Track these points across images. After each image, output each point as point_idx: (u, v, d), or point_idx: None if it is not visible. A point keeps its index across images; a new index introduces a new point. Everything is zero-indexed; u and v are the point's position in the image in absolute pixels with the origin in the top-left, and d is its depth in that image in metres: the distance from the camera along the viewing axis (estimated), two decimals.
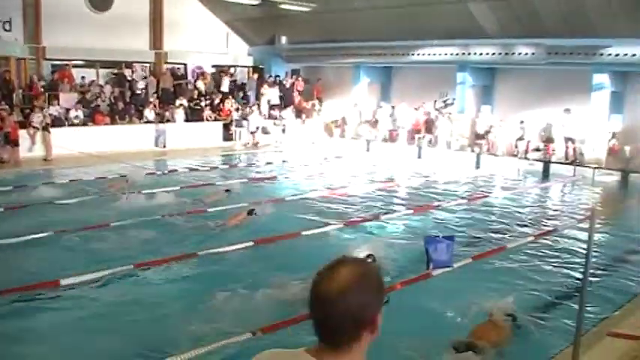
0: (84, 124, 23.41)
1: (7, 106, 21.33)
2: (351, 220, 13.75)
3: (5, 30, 23.91)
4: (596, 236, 12.84)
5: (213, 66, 30.50)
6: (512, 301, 8.35)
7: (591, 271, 10.07)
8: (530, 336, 7.64)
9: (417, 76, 28.05)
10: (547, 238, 12.76)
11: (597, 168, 21.36)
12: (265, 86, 29.66)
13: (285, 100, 29.95)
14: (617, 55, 20.32)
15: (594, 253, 11.40)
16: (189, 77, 29.39)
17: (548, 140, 23.03)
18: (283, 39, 30.88)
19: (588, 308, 7.35)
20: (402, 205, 16.15)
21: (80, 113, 23.44)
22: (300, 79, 31.61)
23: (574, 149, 22.43)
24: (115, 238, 11.53)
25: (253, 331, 7.17)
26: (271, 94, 29.47)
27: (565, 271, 10.54)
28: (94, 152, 20.21)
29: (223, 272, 9.93)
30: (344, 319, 2.03)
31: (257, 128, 27.26)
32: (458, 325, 7.88)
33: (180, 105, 26.32)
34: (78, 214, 13.20)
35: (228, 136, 26.83)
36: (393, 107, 27.96)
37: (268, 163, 22.73)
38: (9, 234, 11.16)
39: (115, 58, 26.81)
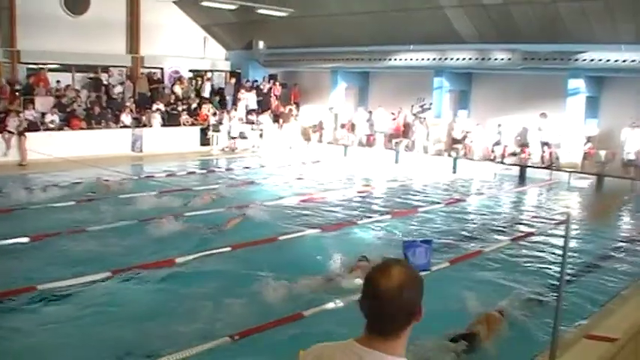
0: (60, 128, 23.17)
1: None
2: (329, 225, 13.72)
3: None
4: (575, 239, 13.04)
5: (191, 70, 30.38)
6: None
7: (569, 273, 10.24)
8: (506, 339, 7.67)
9: (395, 81, 28.18)
10: (523, 241, 12.84)
11: (573, 172, 21.55)
12: (242, 91, 29.60)
13: (263, 105, 29.90)
14: (592, 60, 20.57)
15: (572, 255, 11.55)
16: (166, 82, 29.26)
17: (524, 145, 23.20)
18: (261, 44, 30.90)
19: (566, 310, 7.40)
20: (380, 209, 16.17)
21: (56, 118, 23.21)
22: (277, 83, 31.60)
23: (550, 153, 22.61)
24: (93, 242, 11.43)
25: (231, 335, 7.15)
26: (249, 99, 29.42)
27: (541, 274, 10.61)
28: (70, 157, 20.04)
29: (202, 276, 9.90)
30: (400, 312, 2.38)
31: (238, 133, 27.21)
32: (430, 329, 7.90)
33: (157, 109, 26.18)
34: (54, 219, 13.10)
35: (205, 141, 26.73)
36: (370, 112, 28.02)
37: (246, 168, 22.68)
38: None
39: (91, 62, 26.62)
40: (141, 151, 24.48)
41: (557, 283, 7.18)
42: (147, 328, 7.94)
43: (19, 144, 21.27)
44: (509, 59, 22.40)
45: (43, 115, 23.07)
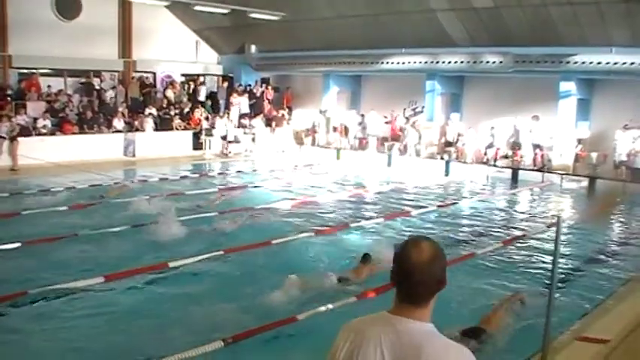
0: (52, 133, 23.12)
1: None
2: (322, 228, 13.72)
3: None
4: (566, 241, 13.09)
5: (183, 75, 30.37)
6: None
7: (561, 275, 10.28)
8: (498, 342, 7.68)
9: (387, 85, 28.24)
10: (516, 243, 12.89)
11: (565, 174, 21.63)
12: (235, 95, 29.60)
13: (255, 109, 29.90)
14: (583, 62, 20.64)
15: (564, 257, 11.59)
16: (159, 86, 29.22)
17: (516, 147, 23.26)
18: (253, 48, 30.92)
19: (558, 312, 7.42)
20: (373, 212, 16.18)
21: (48, 122, 23.16)
22: (269, 87, 31.61)
23: (542, 156, 22.67)
24: (85, 248, 11.44)
25: (224, 339, 7.15)
26: (241, 103, 29.41)
27: (533, 276, 10.64)
28: (62, 162, 20.00)
29: (195, 280, 9.91)
30: (430, 281, 2.67)
31: (231, 137, 27.22)
32: None
33: (150, 114, 26.15)
34: (48, 224, 13.08)
35: (198, 145, 26.71)
36: (362, 115, 28.05)
37: (239, 172, 22.68)
38: None
39: (83, 67, 26.58)
40: (133, 155, 24.44)
41: (548, 284, 7.20)
42: (139, 332, 7.94)
43: (10, 149, 21.18)
44: (500, 62, 22.48)
45: (35, 120, 23.01)
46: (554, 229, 6.72)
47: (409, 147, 25.68)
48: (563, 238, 13.23)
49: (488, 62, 22.84)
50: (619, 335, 7.63)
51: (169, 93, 28.44)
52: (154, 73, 29.53)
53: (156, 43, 29.29)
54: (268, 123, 29.50)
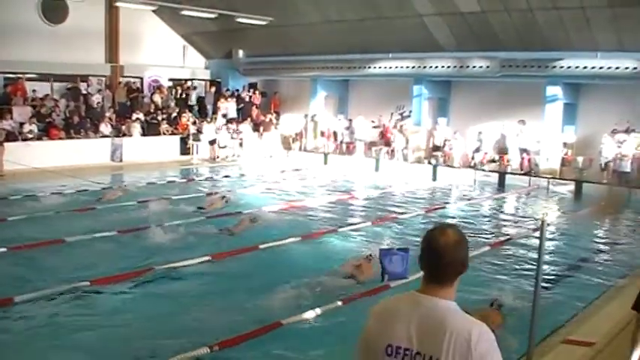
0: (38, 138, 22.99)
1: None
2: (309, 233, 13.70)
3: None
4: (552, 244, 13.15)
5: (171, 79, 30.30)
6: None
7: (547, 278, 10.32)
8: None
9: (374, 89, 28.27)
10: (502, 247, 12.94)
11: (551, 178, 21.73)
12: (222, 100, 29.57)
13: (243, 114, 29.88)
14: (569, 67, 20.79)
15: (550, 260, 11.63)
16: (146, 91, 29.15)
17: (503, 151, 23.35)
18: (240, 52, 30.90)
19: (543, 315, 7.44)
20: (361, 217, 16.20)
21: (34, 127, 23.02)
22: (257, 92, 31.59)
23: (529, 160, 22.79)
24: (72, 253, 11.42)
25: (210, 346, 7.15)
26: (228, 108, 29.38)
27: (519, 280, 10.67)
28: (48, 167, 19.90)
29: (182, 286, 9.90)
30: (457, 262, 2.93)
31: (222, 143, 27.27)
32: None
33: (137, 119, 26.08)
34: (32, 230, 13.01)
35: (185, 150, 26.65)
36: (350, 120, 28.08)
37: (226, 177, 22.65)
38: None
39: (70, 72, 26.41)
40: (121, 160, 24.36)
41: (533, 287, 7.21)
42: (126, 338, 7.89)
43: None
44: (487, 67, 22.58)
45: (21, 125, 22.87)
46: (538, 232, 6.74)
47: (397, 152, 25.72)
48: (549, 241, 13.36)
49: (475, 67, 22.93)
50: (605, 338, 7.66)
51: (157, 98, 28.36)
52: (141, 78, 29.44)
53: (143, 47, 29.22)
54: (256, 128, 29.46)
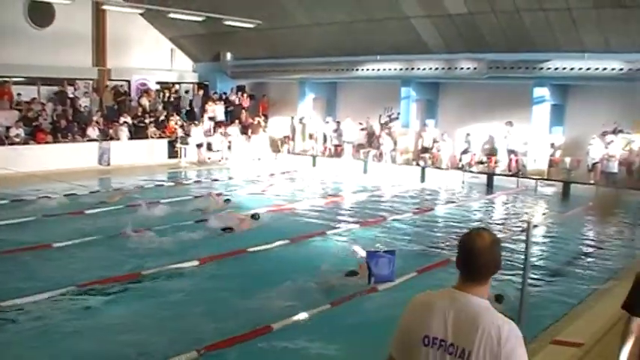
0: (25, 142, 22.85)
1: None
2: (298, 236, 13.66)
3: None
4: (540, 244, 13.18)
5: (158, 83, 30.23)
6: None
7: (535, 278, 10.34)
8: None
9: (362, 92, 28.27)
10: None
11: (539, 179, 21.79)
12: (210, 103, 29.53)
13: (232, 117, 29.82)
14: (556, 68, 20.85)
15: (537, 262, 11.65)
16: (133, 94, 29.05)
17: (491, 153, 23.41)
18: (228, 55, 30.87)
19: (531, 315, 7.45)
20: (349, 219, 16.18)
21: (21, 131, 22.88)
22: (245, 95, 31.54)
23: (516, 161, 22.85)
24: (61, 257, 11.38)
25: (198, 349, 7.13)
26: (217, 111, 29.33)
27: (507, 280, 10.64)
28: (35, 171, 19.79)
29: (169, 290, 9.87)
30: (491, 263, 3.17)
31: (211, 146, 27.28)
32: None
33: (125, 122, 25.98)
34: (20, 235, 12.95)
35: (173, 154, 26.57)
36: (338, 122, 28.09)
37: (215, 180, 22.61)
38: None
39: (57, 75, 26.32)
40: (108, 164, 24.23)
41: (520, 288, 7.23)
42: (114, 342, 7.86)
43: None
44: (475, 68, 22.62)
45: (8, 129, 22.74)
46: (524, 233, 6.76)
47: (385, 154, 25.73)
48: (538, 242, 13.40)
49: (462, 68, 22.97)
50: (592, 338, 7.66)
51: (144, 101, 28.27)
52: (129, 81, 29.35)
53: (131, 50, 29.13)
54: (244, 131, 29.42)
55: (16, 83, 25.49)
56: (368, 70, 25.64)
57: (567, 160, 21.94)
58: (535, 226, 13.08)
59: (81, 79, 27.52)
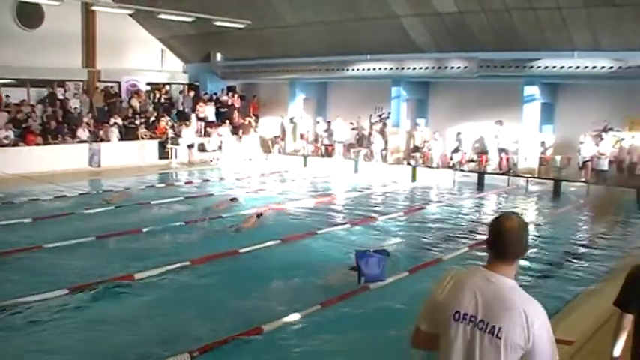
0: (15, 144, 22.75)
1: None
2: (289, 235, 13.63)
3: None
4: (533, 242, 13.18)
5: (149, 84, 30.16)
6: None
7: (527, 276, 10.36)
8: None
9: (352, 91, 28.26)
10: (481, 248, 12.96)
11: (530, 178, 21.84)
12: (201, 103, 29.49)
13: (223, 117, 29.77)
14: (546, 67, 20.92)
15: (528, 260, 11.66)
16: (124, 95, 28.98)
17: (482, 152, 23.45)
18: (218, 56, 30.86)
19: None
20: (340, 219, 16.18)
21: (11, 133, 22.77)
22: (236, 95, 31.50)
23: (507, 160, 22.90)
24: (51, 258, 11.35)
25: (190, 351, 7.11)
26: (207, 111, 29.30)
27: None
28: (25, 173, 19.71)
29: (160, 291, 9.85)
30: (520, 243, 3.38)
31: (203, 147, 27.26)
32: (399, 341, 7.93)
33: (115, 124, 25.91)
34: (10, 236, 12.92)
35: (164, 154, 26.50)
36: (328, 122, 28.09)
37: (205, 181, 22.58)
38: None
39: (47, 77, 26.22)
40: (99, 165, 24.16)
41: None
42: (106, 344, 7.86)
43: None
44: (465, 67, 22.66)
45: None
46: None
47: (375, 153, 25.74)
48: (529, 240, 13.38)
49: (452, 67, 23.01)
50: (583, 336, 7.69)
51: (135, 102, 28.21)
52: (119, 83, 29.28)
53: (121, 52, 29.05)
54: (235, 131, 29.38)
55: (5, 85, 25.35)
56: (358, 69, 25.65)
57: (558, 158, 22.01)
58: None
59: (71, 80, 27.45)
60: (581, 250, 13.68)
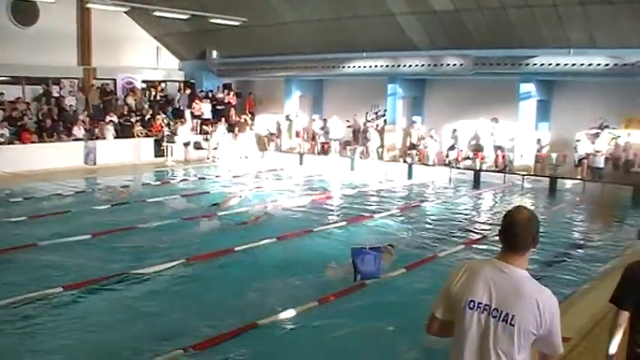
0: (10, 142, 22.67)
1: None
2: (285, 233, 13.60)
3: None
4: None
5: (144, 81, 30.10)
6: None
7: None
8: None
9: (348, 89, 28.26)
10: (477, 245, 12.98)
11: (526, 175, 21.84)
12: (197, 101, 29.45)
13: (220, 115, 29.72)
14: (542, 64, 20.92)
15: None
16: (119, 93, 28.93)
17: (478, 149, 23.45)
18: (214, 53, 30.82)
19: None
20: (336, 216, 16.17)
21: (6, 131, 22.69)
22: (232, 93, 31.47)
23: (503, 157, 22.90)
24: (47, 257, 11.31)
25: (184, 348, 7.10)
26: (203, 109, 29.27)
27: None
28: (21, 171, 19.66)
29: (158, 289, 9.85)
30: (529, 235, 3.53)
31: (199, 144, 27.29)
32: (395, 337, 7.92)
33: (110, 121, 25.84)
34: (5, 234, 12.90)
35: (159, 152, 26.44)
36: (324, 120, 28.07)
37: (201, 179, 22.54)
38: None
39: (42, 74, 26.16)
40: (94, 163, 24.09)
41: None
42: (101, 341, 7.84)
43: None
44: (461, 65, 22.65)
45: None
46: None
47: (371, 151, 25.73)
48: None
49: (448, 65, 22.99)
50: (579, 333, 7.69)
51: (130, 100, 28.16)
52: (115, 80, 29.22)
53: (116, 49, 28.95)
54: (231, 129, 29.33)
55: (0, 83, 25.26)
56: (354, 67, 25.64)
57: (554, 155, 22.03)
58: None
59: (66, 78, 27.34)
60: (578, 247, 13.70)
